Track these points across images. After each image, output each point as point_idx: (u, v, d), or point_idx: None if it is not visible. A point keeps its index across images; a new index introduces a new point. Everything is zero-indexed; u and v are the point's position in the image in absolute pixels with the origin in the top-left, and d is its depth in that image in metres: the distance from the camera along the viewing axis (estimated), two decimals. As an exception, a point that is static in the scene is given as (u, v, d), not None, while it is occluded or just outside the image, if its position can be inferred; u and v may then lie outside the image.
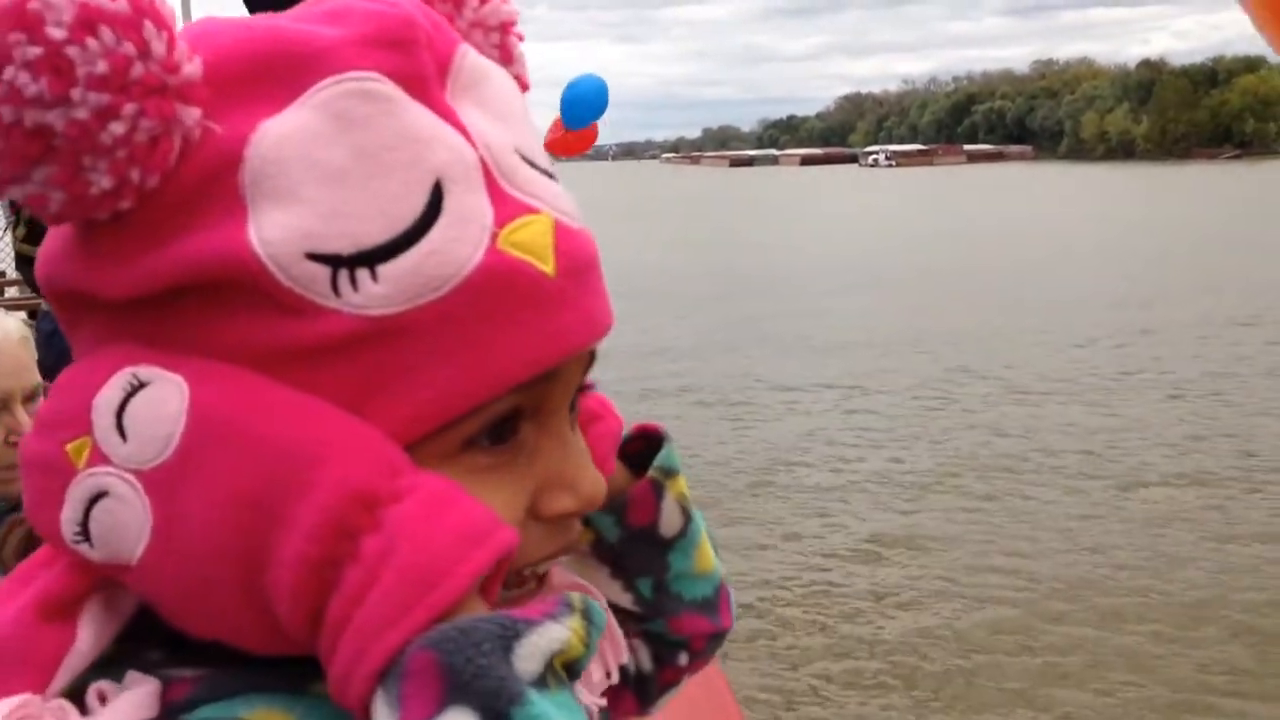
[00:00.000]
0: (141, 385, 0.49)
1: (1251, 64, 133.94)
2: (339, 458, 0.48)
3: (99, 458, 0.49)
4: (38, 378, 1.86)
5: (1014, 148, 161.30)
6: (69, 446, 0.50)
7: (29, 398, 1.82)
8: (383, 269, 0.49)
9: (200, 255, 0.49)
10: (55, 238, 0.53)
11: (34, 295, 4.13)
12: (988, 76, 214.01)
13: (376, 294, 0.49)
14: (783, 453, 10.04)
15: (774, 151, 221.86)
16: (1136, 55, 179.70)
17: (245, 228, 0.49)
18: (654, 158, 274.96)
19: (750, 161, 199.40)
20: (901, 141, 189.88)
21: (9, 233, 7.90)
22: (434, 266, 0.50)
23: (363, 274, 0.49)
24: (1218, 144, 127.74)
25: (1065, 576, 7.24)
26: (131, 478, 0.49)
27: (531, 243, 0.52)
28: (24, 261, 3.37)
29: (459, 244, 0.50)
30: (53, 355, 2.02)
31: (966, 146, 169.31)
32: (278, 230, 0.48)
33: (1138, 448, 10.12)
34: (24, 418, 1.79)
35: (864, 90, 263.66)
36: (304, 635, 0.48)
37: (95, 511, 0.49)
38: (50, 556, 0.52)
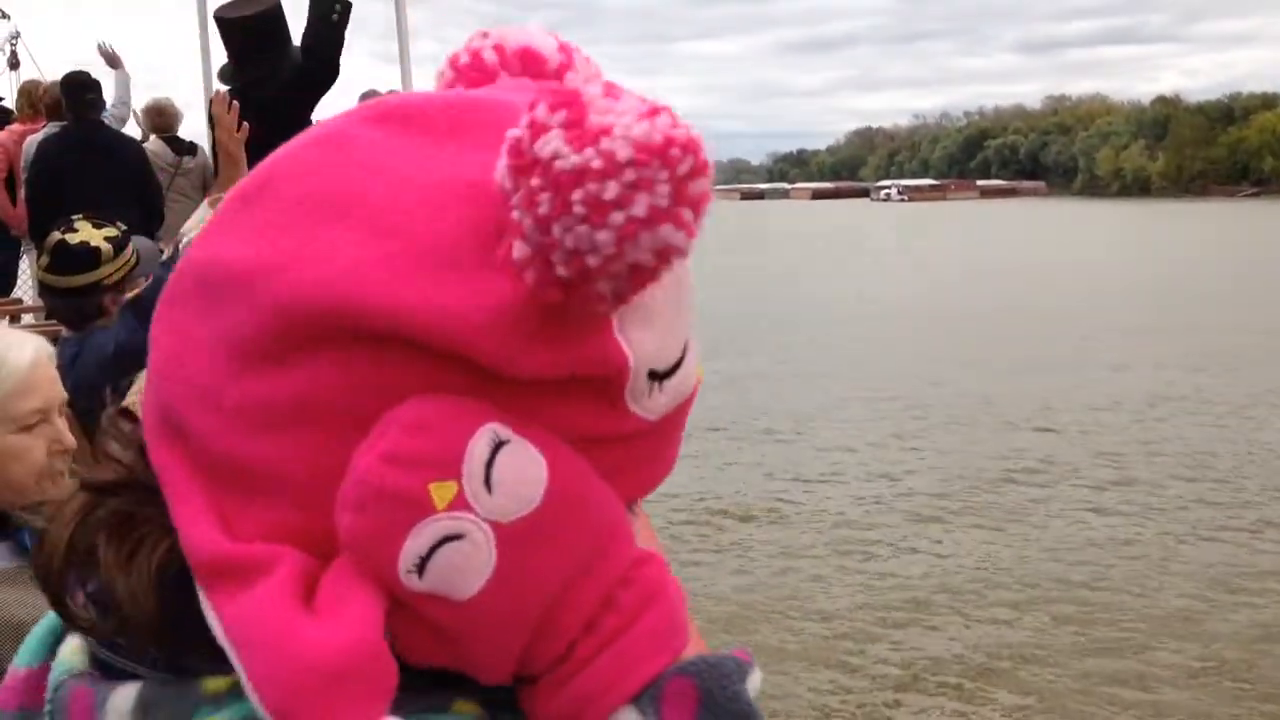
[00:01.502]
0: (502, 443, 0.54)
1: (1269, 101, 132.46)
2: (625, 529, 0.59)
3: (463, 504, 0.53)
4: (65, 391, 1.94)
5: (1027, 183, 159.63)
6: (432, 486, 0.53)
7: (61, 411, 1.90)
8: (667, 384, 0.59)
9: (601, 355, 0.55)
10: (432, 284, 0.53)
11: (51, 322, 4.00)
12: (1000, 112, 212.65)
13: (659, 404, 0.59)
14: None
15: (784, 185, 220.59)
16: (1146, 92, 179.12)
17: (619, 337, 0.56)
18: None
19: (761, 195, 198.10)
20: (913, 176, 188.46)
21: (27, 262, 7.20)
22: (683, 384, 0.60)
23: (657, 386, 0.58)
24: (1235, 181, 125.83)
25: None
26: (488, 528, 0.54)
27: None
28: (48, 290, 3.38)
29: (693, 365, 0.61)
30: (71, 381, 2.10)
31: (979, 182, 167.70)
32: (643, 346, 0.57)
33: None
34: (64, 429, 1.88)
35: (875, 125, 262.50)
36: (543, 667, 0.57)
37: (444, 550, 0.53)
38: (343, 579, 0.54)
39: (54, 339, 3.62)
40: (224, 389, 0.55)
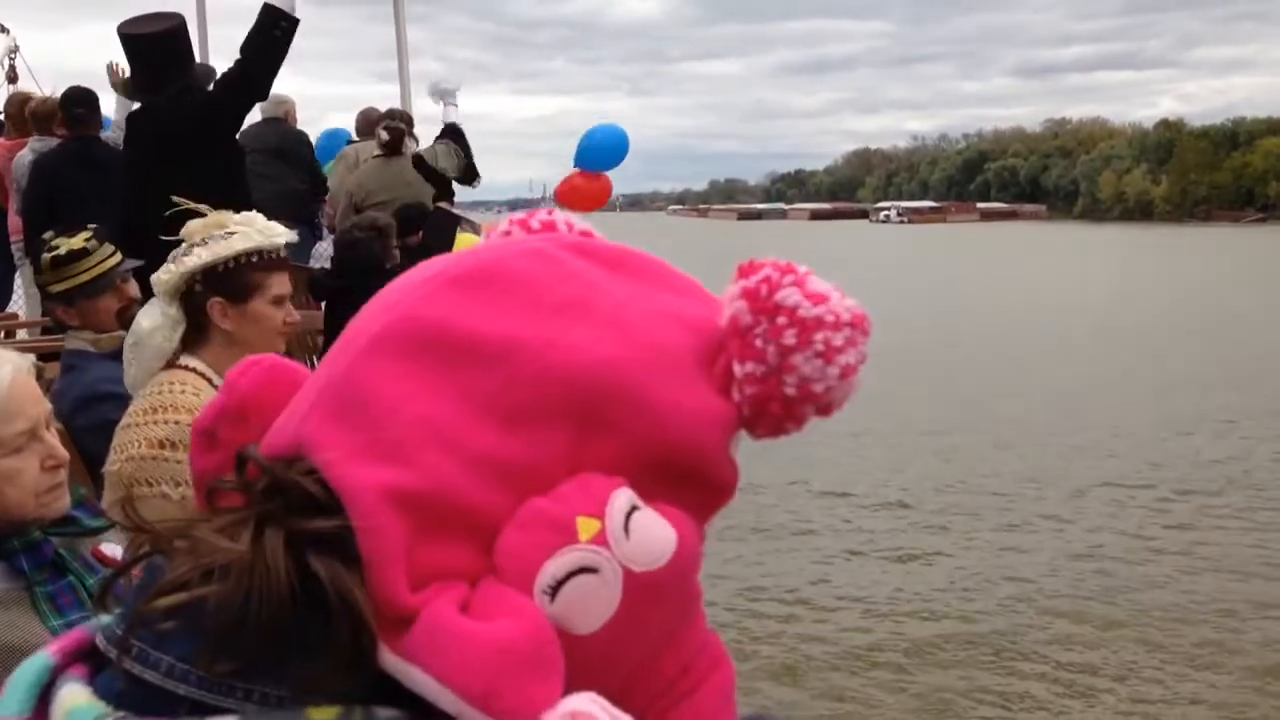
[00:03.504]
0: (637, 506, 0.63)
1: (1274, 126, 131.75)
2: (701, 606, 0.68)
3: (603, 540, 0.61)
4: (50, 403, 1.92)
5: (1028, 206, 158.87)
6: (580, 519, 0.61)
7: (49, 424, 1.88)
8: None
9: (734, 475, 0.69)
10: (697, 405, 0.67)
11: (49, 338, 4.05)
12: (999, 134, 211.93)
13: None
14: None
15: (782, 205, 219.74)
16: (1145, 117, 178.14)
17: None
18: (661, 209, 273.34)
19: (759, 215, 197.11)
20: (911, 198, 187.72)
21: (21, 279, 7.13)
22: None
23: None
24: (1240, 206, 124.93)
25: None
26: (620, 570, 0.61)
27: None
28: (50, 297, 3.47)
29: None
30: (67, 404, 2.32)
31: (980, 204, 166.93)
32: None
33: None
34: (55, 441, 1.86)
35: (873, 146, 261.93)
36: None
37: (578, 579, 0.60)
38: (496, 590, 0.61)
39: (51, 355, 3.67)
40: (466, 435, 0.62)
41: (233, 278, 2.62)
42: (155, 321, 2.62)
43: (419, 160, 6.89)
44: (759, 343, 0.67)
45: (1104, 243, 79.32)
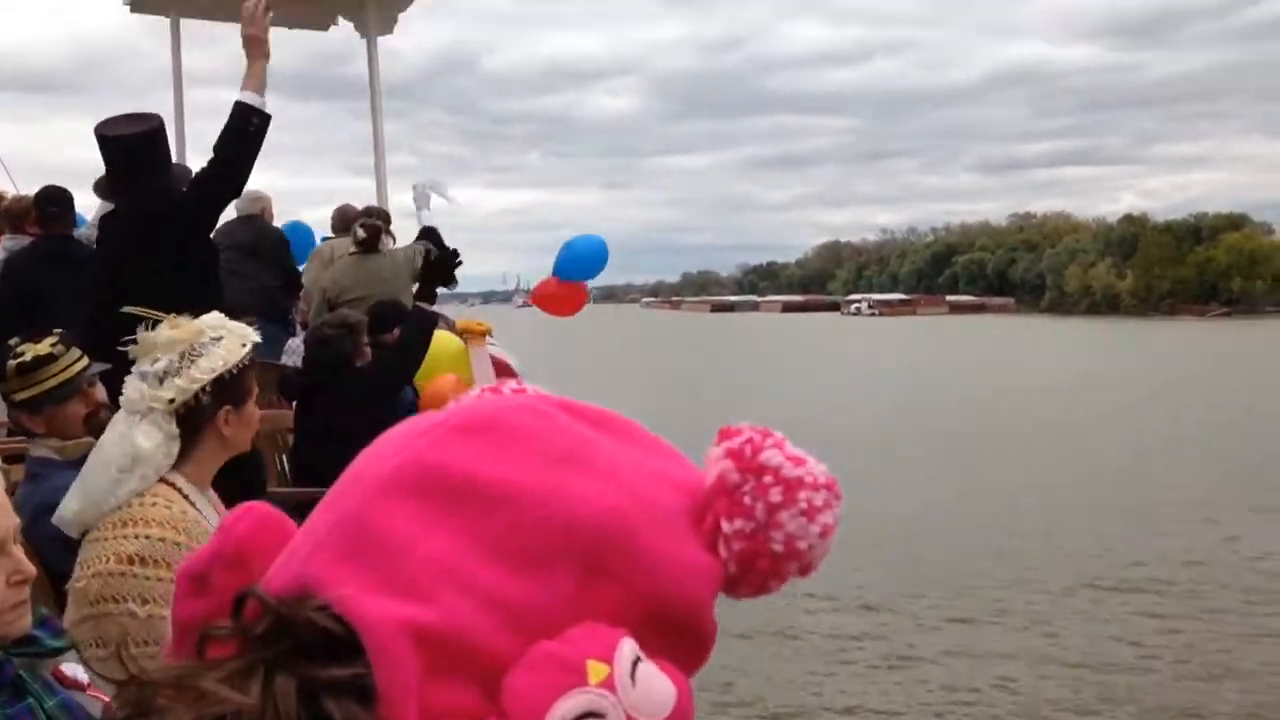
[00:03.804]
0: (640, 658, 0.64)
1: (1234, 221, 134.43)
2: None
3: (611, 685, 0.62)
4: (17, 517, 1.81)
5: (996, 299, 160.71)
6: (590, 662, 0.62)
7: (15, 538, 1.78)
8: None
9: (713, 628, 0.71)
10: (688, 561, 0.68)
11: (14, 439, 3.74)
12: (966, 228, 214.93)
13: None
14: None
15: (754, 298, 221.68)
16: (1107, 211, 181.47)
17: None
18: (634, 301, 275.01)
19: (731, 307, 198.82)
20: (881, 290, 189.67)
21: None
22: None
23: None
24: (1204, 300, 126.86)
25: None
26: (625, 718, 0.62)
27: None
28: (15, 404, 3.34)
29: None
30: (28, 512, 2.08)
31: (949, 297, 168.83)
32: None
33: None
34: (21, 556, 1.75)
35: (843, 239, 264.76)
36: None
37: None
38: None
39: (16, 457, 3.53)
40: (478, 576, 0.63)
41: (237, 383, 2.63)
42: (155, 440, 2.55)
43: (428, 258, 6.77)
44: (747, 500, 0.69)
45: (1072, 336, 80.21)
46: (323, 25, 8.40)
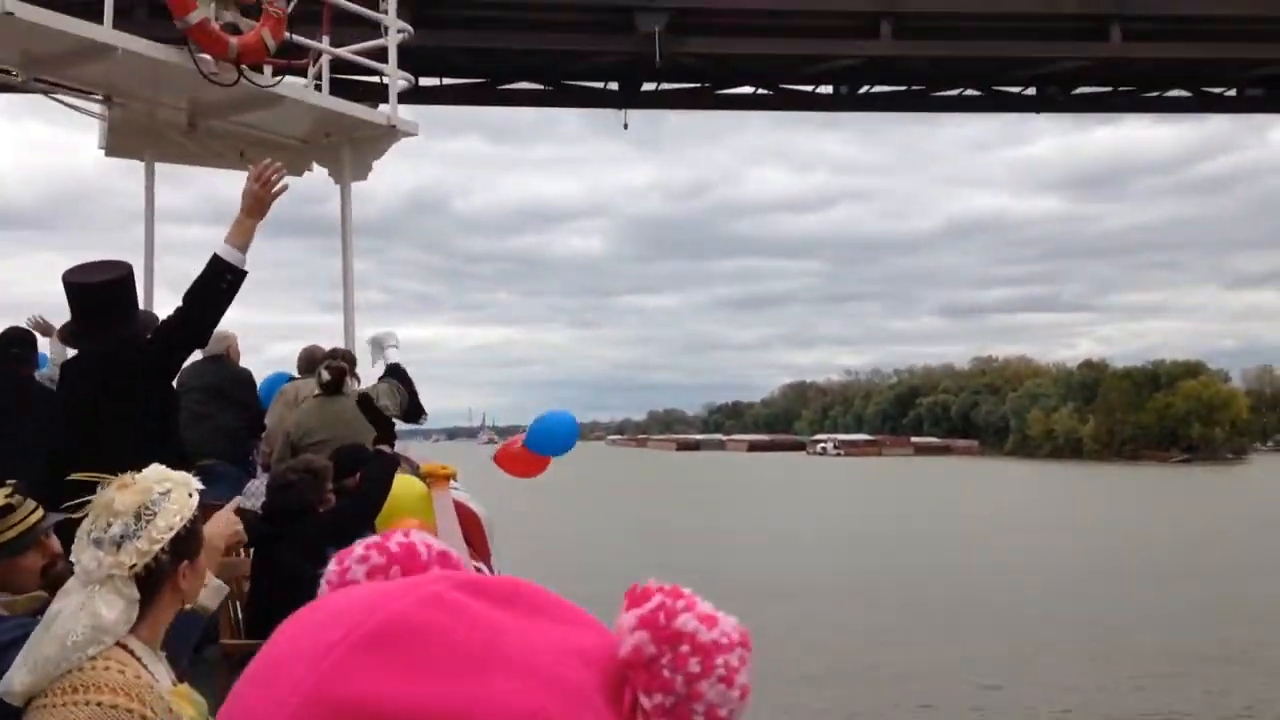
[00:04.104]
0: None
1: (1191, 369, 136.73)
2: None
3: None
4: None
5: (960, 442, 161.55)
6: None
7: None
8: None
9: None
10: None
11: None
12: (929, 370, 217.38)
13: None
14: None
15: (720, 436, 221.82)
16: (1066, 357, 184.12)
17: None
18: (600, 439, 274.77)
19: (697, 445, 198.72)
20: (847, 430, 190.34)
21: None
22: None
23: None
24: (1164, 446, 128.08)
25: None
26: None
27: None
28: None
29: None
30: None
31: (914, 439, 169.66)
32: None
33: None
34: None
35: (808, 379, 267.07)
36: None
37: None
38: None
39: None
40: None
41: (191, 536, 2.58)
42: (118, 609, 2.46)
43: (364, 399, 6.86)
44: (665, 673, 0.67)
45: (1036, 480, 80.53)
46: (298, 171, 8.53)
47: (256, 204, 4.64)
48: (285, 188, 4.73)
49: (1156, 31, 38.74)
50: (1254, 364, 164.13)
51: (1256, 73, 41.27)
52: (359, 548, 0.79)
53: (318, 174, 8.94)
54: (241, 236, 4.61)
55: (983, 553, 26.00)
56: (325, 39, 8.46)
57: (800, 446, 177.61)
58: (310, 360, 8.08)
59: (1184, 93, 43.88)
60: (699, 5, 36.78)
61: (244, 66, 6.91)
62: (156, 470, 2.64)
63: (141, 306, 5.67)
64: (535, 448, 7.99)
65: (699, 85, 40.59)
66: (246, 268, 4.67)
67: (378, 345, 7.66)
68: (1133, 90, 43.53)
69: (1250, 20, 39.03)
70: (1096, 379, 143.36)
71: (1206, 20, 38.94)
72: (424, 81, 35.93)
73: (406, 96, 9.41)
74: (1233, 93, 44.30)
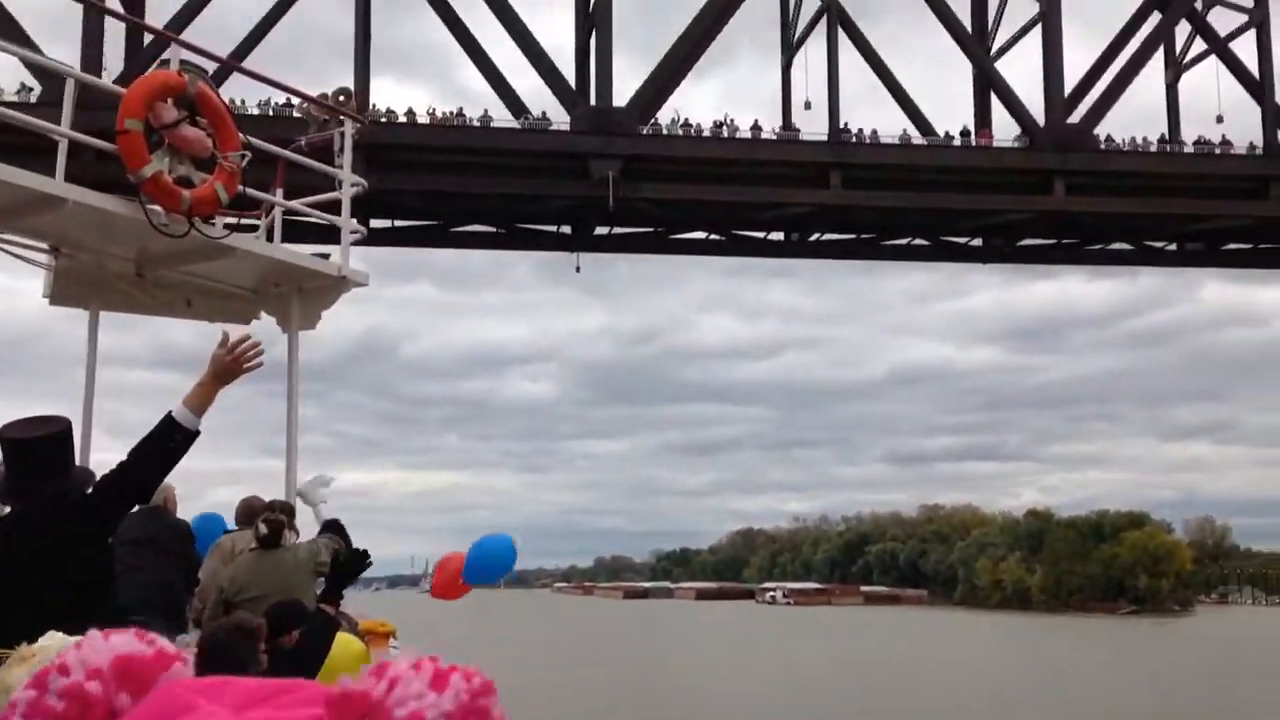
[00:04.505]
0: None
1: (1134, 520, 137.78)
2: None
3: None
4: None
5: (910, 591, 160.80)
6: None
7: None
8: None
9: None
10: None
11: None
12: (877, 517, 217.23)
13: None
14: None
15: (668, 584, 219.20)
16: (1011, 505, 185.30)
17: None
18: (545, 586, 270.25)
19: (645, 593, 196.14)
20: (795, 578, 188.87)
21: None
22: None
23: None
24: (1112, 597, 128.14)
25: None
26: None
27: None
28: None
29: None
30: None
31: (864, 588, 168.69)
32: None
33: None
34: None
35: (756, 526, 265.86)
36: None
37: None
38: None
39: None
40: None
41: None
42: None
43: (335, 558, 6.66)
44: None
45: (988, 633, 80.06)
46: (245, 320, 8.50)
47: (224, 374, 4.62)
48: (260, 365, 4.71)
49: (1098, 186, 40.28)
50: (1194, 514, 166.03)
51: (1195, 227, 42.90)
52: (18, 689, 0.83)
53: (265, 322, 8.91)
54: (200, 400, 4.58)
55: (939, 706, 25.66)
56: (279, 192, 8.53)
57: (749, 595, 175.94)
58: (249, 511, 7.92)
59: (1126, 246, 45.44)
60: (653, 152, 37.74)
61: (195, 218, 6.92)
62: (55, 638, 2.57)
63: (79, 452, 5.56)
64: (476, 581, 8.01)
65: (652, 230, 41.37)
66: (199, 428, 4.62)
67: (305, 498, 7.54)
68: (1076, 243, 44.95)
69: (1188, 177, 40.75)
70: (1042, 528, 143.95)
71: (1146, 176, 40.59)
72: (376, 223, 36.35)
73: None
74: (1173, 247, 45.95)
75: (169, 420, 4.55)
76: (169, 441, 4.55)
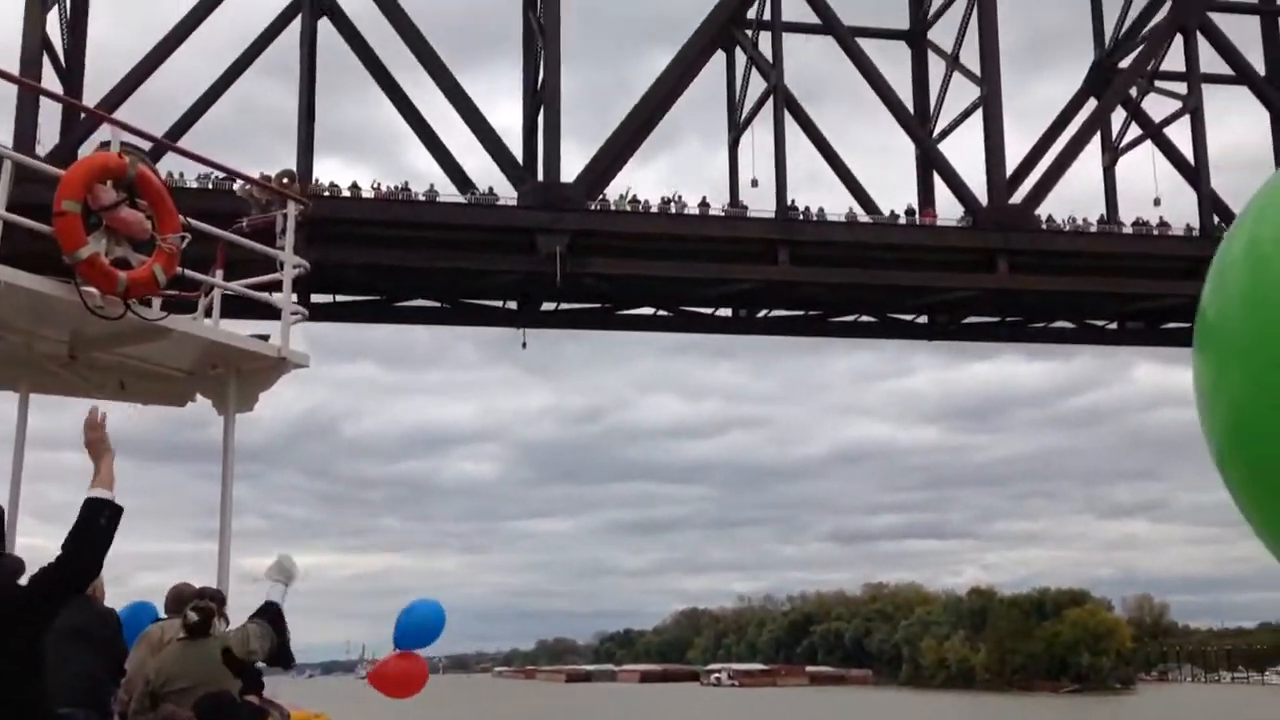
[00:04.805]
0: None
1: (1076, 598, 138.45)
2: None
3: None
4: None
5: (855, 671, 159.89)
6: None
7: None
8: None
9: None
10: None
11: None
12: (821, 596, 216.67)
13: None
14: None
15: (612, 667, 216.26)
16: (954, 584, 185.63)
17: None
18: (486, 670, 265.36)
19: (588, 676, 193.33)
20: (741, 659, 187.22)
21: None
22: None
23: None
24: (1055, 676, 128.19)
25: None
26: None
27: None
28: None
29: None
30: None
31: (809, 668, 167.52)
32: None
33: None
34: None
35: (701, 606, 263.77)
36: None
37: None
38: None
39: None
40: None
41: None
42: None
43: (228, 654, 6.53)
44: None
45: (933, 716, 79.62)
46: (181, 402, 8.38)
47: (96, 447, 4.70)
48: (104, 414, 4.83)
49: (1040, 265, 41.02)
50: (1133, 592, 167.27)
51: (1136, 306, 43.79)
52: None
53: (201, 404, 8.77)
54: (104, 479, 4.60)
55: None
56: (219, 272, 8.46)
57: (694, 676, 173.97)
58: (178, 599, 7.71)
59: (1068, 324, 46.22)
60: (600, 227, 37.86)
61: (132, 300, 6.83)
62: None
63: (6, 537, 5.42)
64: (406, 645, 7.94)
65: (599, 305, 41.36)
66: (120, 503, 4.61)
67: (284, 569, 7.30)
68: (1019, 321, 45.67)
69: (1130, 257, 41.64)
70: (985, 606, 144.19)
71: (1088, 256, 41.41)
72: (318, 297, 35.95)
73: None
74: (1114, 325, 46.83)
75: (91, 502, 4.54)
76: (99, 519, 4.52)
